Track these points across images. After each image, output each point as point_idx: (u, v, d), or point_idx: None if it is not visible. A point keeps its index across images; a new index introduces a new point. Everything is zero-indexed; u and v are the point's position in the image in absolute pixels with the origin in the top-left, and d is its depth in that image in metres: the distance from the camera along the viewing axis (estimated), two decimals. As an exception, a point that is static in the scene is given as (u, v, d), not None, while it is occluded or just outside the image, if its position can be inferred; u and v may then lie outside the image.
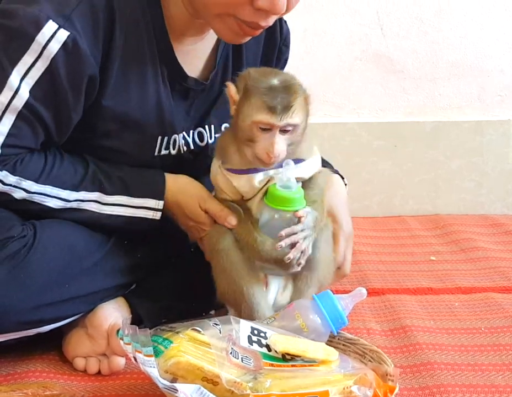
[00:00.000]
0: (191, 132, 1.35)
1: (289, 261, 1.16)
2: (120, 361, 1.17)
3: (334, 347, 1.07)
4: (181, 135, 1.31)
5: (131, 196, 1.24)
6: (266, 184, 1.22)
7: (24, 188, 1.17)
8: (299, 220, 1.17)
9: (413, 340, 1.28)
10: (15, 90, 1.09)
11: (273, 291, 1.27)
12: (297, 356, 0.99)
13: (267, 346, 1.01)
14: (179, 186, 1.29)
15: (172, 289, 1.37)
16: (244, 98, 1.17)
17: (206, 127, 1.38)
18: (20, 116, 1.11)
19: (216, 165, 1.27)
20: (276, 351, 1.00)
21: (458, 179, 2.23)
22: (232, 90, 1.19)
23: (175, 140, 1.30)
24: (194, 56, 1.32)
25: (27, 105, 1.11)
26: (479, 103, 2.21)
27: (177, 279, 1.39)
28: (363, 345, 1.12)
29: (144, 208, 1.25)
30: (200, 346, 0.95)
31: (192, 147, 1.35)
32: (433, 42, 2.17)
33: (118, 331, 1.00)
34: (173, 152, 1.31)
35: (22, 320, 1.13)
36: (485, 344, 1.27)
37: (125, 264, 1.29)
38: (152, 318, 1.31)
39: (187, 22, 1.25)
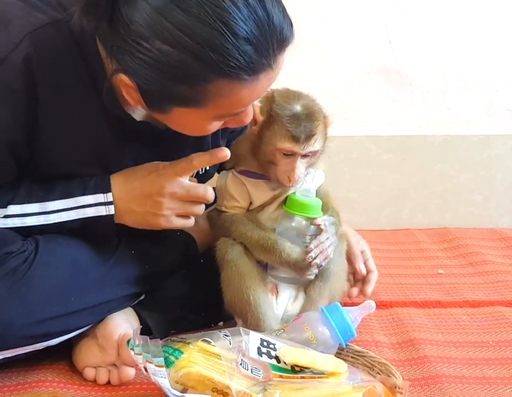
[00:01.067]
0: None
1: (316, 266, 1.22)
2: (130, 372, 1.17)
3: (343, 359, 1.07)
4: None
5: (74, 196, 1.19)
6: (280, 193, 1.27)
7: None
8: (318, 227, 1.23)
9: (421, 353, 1.28)
10: None
11: (284, 300, 1.29)
12: (306, 368, 1.00)
13: (277, 358, 1.01)
14: (129, 171, 1.23)
15: (181, 299, 1.38)
16: (268, 124, 1.21)
17: None
18: None
19: (226, 174, 1.29)
20: (285, 363, 1.01)
21: (467, 192, 2.23)
22: (256, 111, 1.21)
23: None
24: None
25: None
26: (488, 117, 2.21)
27: (186, 290, 1.39)
28: (372, 358, 1.13)
29: (93, 205, 1.19)
30: (210, 357, 0.96)
31: None
32: (442, 56, 2.17)
33: (128, 341, 1.01)
34: None
35: (27, 335, 1.13)
36: (492, 357, 1.27)
37: (132, 275, 1.29)
38: (161, 329, 1.32)
39: None
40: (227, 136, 1.42)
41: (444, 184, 2.22)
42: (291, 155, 1.20)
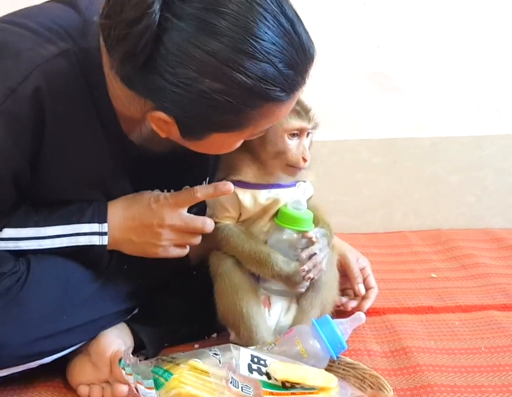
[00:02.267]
0: None
1: (307, 276, 1.21)
2: (123, 389, 1.17)
3: (334, 372, 1.08)
4: None
5: (69, 224, 1.19)
6: (271, 205, 1.27)
7: None
8: (309, 240, 1.23)
9: (413, 361, 1.28)
10: None
11: (277, 312, 1.29)
12: (297, 384, 1.00)
13: (267, 374, 1.02)
14: (128, 199, 1.23)
15: (174, 313, 1.39)
16: None
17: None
18: None
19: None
20: (275, 379, 1.01)
21: (458, 194, 2.24)
22: None
23: None
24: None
25: None
26: (478, 118, 2.22)
27: (179, 303, 1.40)
28: (363, 370, 1.13)
29: (87, 234, 1.19)
30: (200, 375, 0.96)
31: None
32: (430, 59, 2.18)
33: (120, 360, 1.01)
34: None
35: (21, 354, 1.14)
36: (485, 364, 1.27)
37: (126, 291, 1.29)
38: (154, 343, 1.32)
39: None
40: None
41: (435, 186, 2.23)
42: (298, 135, 1.23)
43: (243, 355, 1.03)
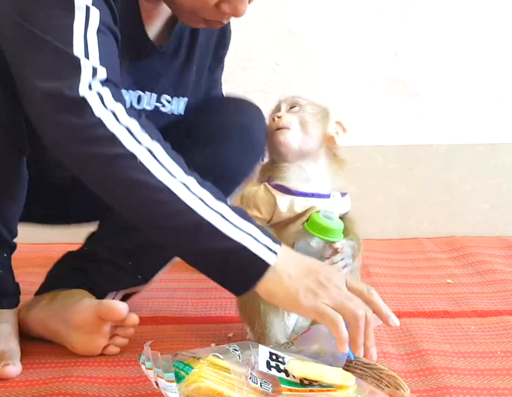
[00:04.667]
0: (129, 91, 1.32)
1: None
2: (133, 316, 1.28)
3: (351, 372, 1.08)
4: None
5: (258, 228, 1.08)
6: (305, 212, 1.27)
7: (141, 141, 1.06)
8: (335, 251, 1.22)
9: (429, 364, 1.28)
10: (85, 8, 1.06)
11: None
12: (315, 381, 1.01)
13: (286, 371, 1.02)
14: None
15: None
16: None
17: (147, 93, 1.36)
18: (100, 32, 1.08)
19: (257, 185, 1.32)
20: (294, 376, 1.01)
21: (473, 201, 2.24)
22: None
23: None
24: (156, 16, 1.31)
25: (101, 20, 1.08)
26: (493, 126, 2.23)
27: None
28: (380, 370, 1.13)
29: (265, 246, 1.06)
30: (220, 371, 0.97)
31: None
32: (448, 66, 2.19)
33: (140, 355, 1.02)
34: None
35: None
36: (501, 368, 1.27)
37: None
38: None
39: None
40: (208, 80, 1.51)
41: (450, 193, 2.24)
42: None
43: (261, 352, 1.04)
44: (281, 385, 0.99)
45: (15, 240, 1.34)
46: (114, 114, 1.04)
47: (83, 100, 1.02)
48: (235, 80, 2.21)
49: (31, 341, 1.40)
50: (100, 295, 1.41)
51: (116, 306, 1.27)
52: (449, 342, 1.40)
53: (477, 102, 2.22)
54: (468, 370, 1.27)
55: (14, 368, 1.25)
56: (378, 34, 2.17)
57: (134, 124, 1.06)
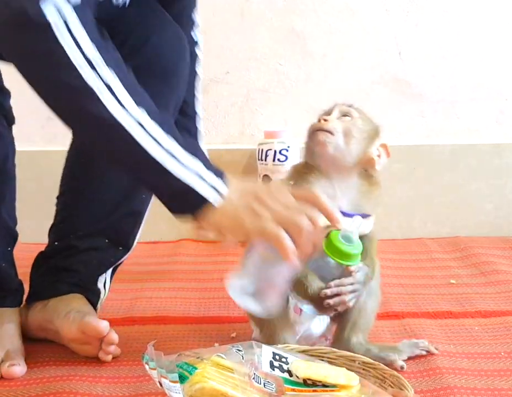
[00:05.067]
0: None
1: (327, 305, 1.19)
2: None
3: (355, 372, 1.08)
4: None
5: (205, 166, 1.09)
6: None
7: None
8: (349, 273, 1.20)
9: (433, 364, 1.28)
10: None
11: (308, 318, 1.30)
12: (319, 381, 1.01)
13: (289, 371, 1.02)
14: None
15: None
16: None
17: None
18: None
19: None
20: (297, 376, 1.01)
21: (477, 201, 2.24)
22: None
23: None
24: None
25: None
26: (498, 126, 2.22)
27: None
28: (384, 370, 1.13)
29: (213, 187, 1.08)
30: (223, 371, 0.97)
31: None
32: (452, 66, 2.19)
33: (143, 355, 1.02)
34: None
35: None
36: (504, 369, 1.27)
37: None
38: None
39: None
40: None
41: (454, 194, 2.23)
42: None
43: (265, 352, 1.04)
44: (285, 385, 0.99)
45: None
46: (78, 44, 1.01)
47: (46, 23, 0.98)
48: (238, 79, 2.21)
49: (35, 340, 1.41)
50: (91, 283, 1.44)
51: (97, 325, 1.27)
52: (453, 343, 1.40)
53: (481, 102, 2.21)
54: (472, 370, 1.27)
55: (19, 368, 1.25)
56: (382, 34, 2.17)
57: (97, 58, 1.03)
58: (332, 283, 1.19)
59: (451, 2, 2.16)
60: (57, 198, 1.51)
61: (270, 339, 1.24)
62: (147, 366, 0.99)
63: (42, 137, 2.23)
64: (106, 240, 1.45)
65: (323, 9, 2.16)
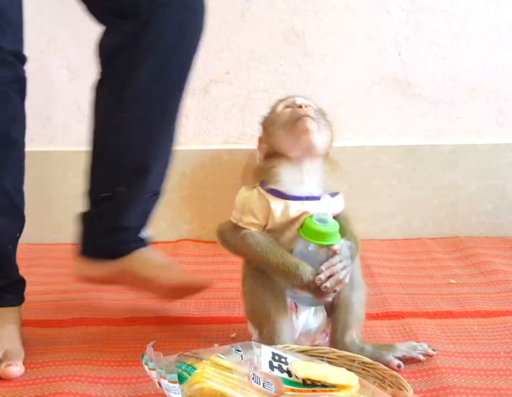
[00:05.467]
0: None
1: (325, 289, 1.19)
2: None
3: (354, 372, 1.08)
4: None
5: None
6: (299, 217, 1.25)
7: None
8: (334, 253, 1.21)
9: (432, 364, 1.29)
10: None
11: (304, 315, 1.30)
12: (318, 381, 1.01)
13: (288, 372, 1.03)
14: None
15: None
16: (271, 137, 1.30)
17: None
18: None
19: (248, 189, 1.30)
20: (297, 376, 1.02)
21: (477, 201, 2.23)
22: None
23: None
24: None
25: None
26: (497, 126, 2.22)
27: None
28: (383, 370, 1.13)
29: None
30: (223, 371, 0.97)
31: None
32: (451, 66, 2.19)
33: (143, 356, 1.02)
34: None
35: None
36: (504, 368, 1.27)
37: None
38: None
39: None
40: None
41: (454, 194, 2.23)
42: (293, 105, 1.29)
43: (264, 352, 1.04)
44: (284, 385, 0.99)
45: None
46: None
47: None
48: (239, 80, 2.21)
49: (34, 341, 1.41)
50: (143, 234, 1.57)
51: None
52: (453, 342, 1.40)
53: (481, 102, 2.21)
54: (471, 370, 1.27)
55: (17, 369, 1.26)
56: (382, 34, 2.16)
57: None
58: (323, 267, 1.20)
59: (451, 2, 2.15)
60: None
61: (269, 342, 1.23)
62: (146, 367, 0.99)
63: (42, 137, 2.23)
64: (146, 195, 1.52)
65: (323, 9, 2.16)
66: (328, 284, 1.19)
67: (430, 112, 2.22)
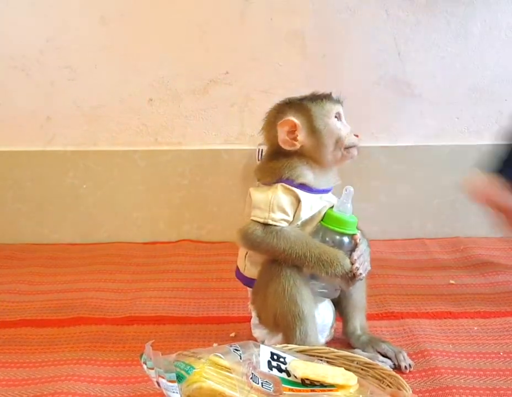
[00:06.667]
0: None
1: (360, 276, 1.24)
2: None
3: (353, 372, 1.08)
4: None
5: None
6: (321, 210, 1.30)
7: None
8: (355, 242, 1.26)
9: (432, 364, 1.29)
10: None
11: (322, 312, 1.34)
12: (317, 381, 1.01)
13: (287, 371, 1.02)
14: None
15: None
16: (311, 128, 1.31)
17: None
18: None
19: (269, 186, 1.30)
20: (295, 376, 1.01)
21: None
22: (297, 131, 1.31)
23: None
24: None
25: None
26: (497, 127, 2.22)
27: None
28: (382, 370, 1.13)
29: None
30: (221, 371, 0.97)
31: None
32: (451, 67, 2.18)
33: (141, 355, 1.02)
34: None
35: None
36: (503, 368, 1.27)
37: None
38: None
39: None
40: None
41: (454, 194, 2.23)
42: (338, 118, 1.34)
43: (263, 352, 1.04)
44: (283, 385, 0.99)
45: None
46: None
47: None
48: (238, 80, 2.21)
49: (34, 340, 1.41)
50: None
51: None
52: (452, 343, 1.40)
53: (480, 103, 2.21)
54: (471, 370, 1.27)
55: None
56: (382, 34, 2.16)
57: None
58: (355, 255, 1.24)
59: (451, 2, 2.15)
60: None
61: (300, 343, 1.23)
62: (144, 366, 0.99)
63: (42, 137, 2.23)
64: None
65: (322, 9, 2.16)
66: (361, 270, 1.24)
67: (429, 113, 2.21)
